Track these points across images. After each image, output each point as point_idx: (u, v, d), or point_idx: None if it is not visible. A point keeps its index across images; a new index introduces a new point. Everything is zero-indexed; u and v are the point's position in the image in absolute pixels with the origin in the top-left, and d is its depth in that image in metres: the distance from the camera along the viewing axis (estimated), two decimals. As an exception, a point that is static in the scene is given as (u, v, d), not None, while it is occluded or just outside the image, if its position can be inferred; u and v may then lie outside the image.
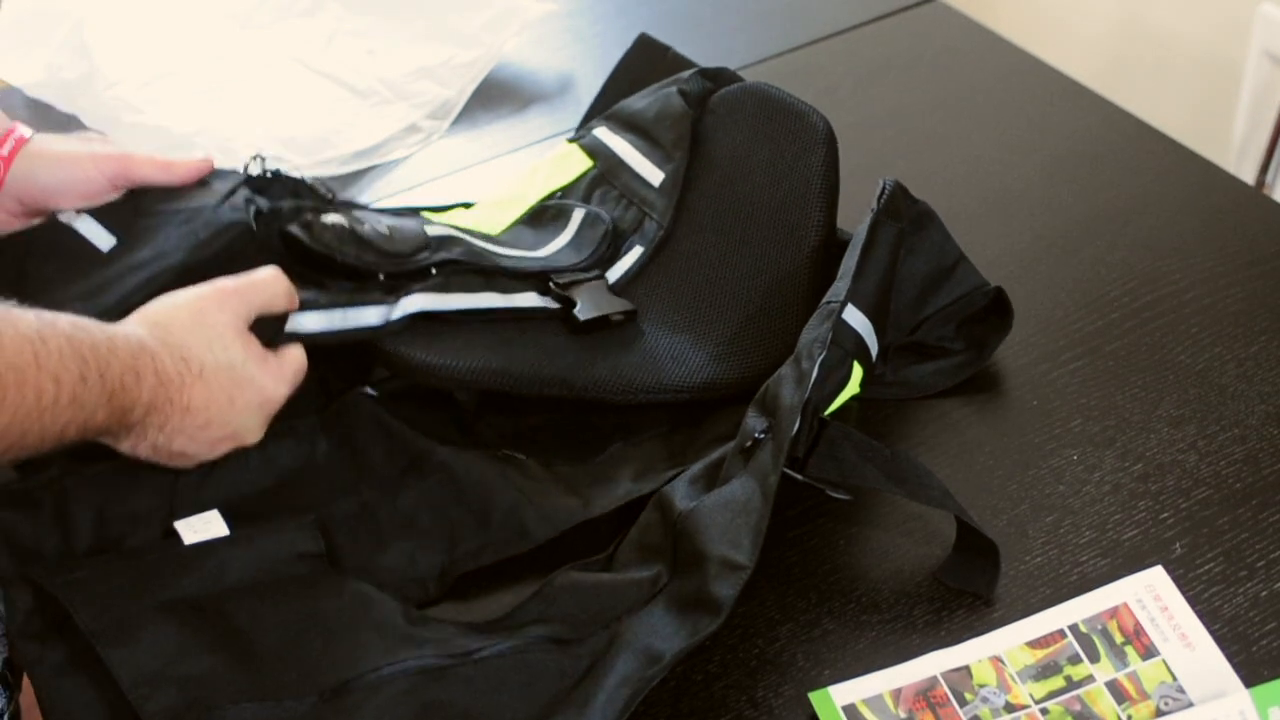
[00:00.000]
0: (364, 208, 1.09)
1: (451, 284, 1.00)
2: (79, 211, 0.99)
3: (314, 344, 0.94)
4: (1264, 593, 0.88)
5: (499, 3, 1.42)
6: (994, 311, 1.04)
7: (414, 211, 1.12)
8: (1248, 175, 2.07)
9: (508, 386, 0.97)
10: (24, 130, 0.97)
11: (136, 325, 0.84)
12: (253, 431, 0.89)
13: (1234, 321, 1.07)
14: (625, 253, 1.07)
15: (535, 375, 0.97)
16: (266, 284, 0.90)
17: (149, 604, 0.81)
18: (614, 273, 1.06)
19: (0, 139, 0.96)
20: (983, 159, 1.27)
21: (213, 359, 0.85)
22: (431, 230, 1.03)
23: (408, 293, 0.98)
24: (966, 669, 0.84)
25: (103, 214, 0.99)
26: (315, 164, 1.27)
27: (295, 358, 0.92)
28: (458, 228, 1.07)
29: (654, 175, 1.10)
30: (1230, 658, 0.84)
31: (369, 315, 0.96)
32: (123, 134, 1.28)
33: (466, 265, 1.01)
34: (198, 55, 1.39)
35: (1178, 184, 1.23)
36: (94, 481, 0.89)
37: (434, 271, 0.99)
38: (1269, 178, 2.07)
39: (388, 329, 0.96)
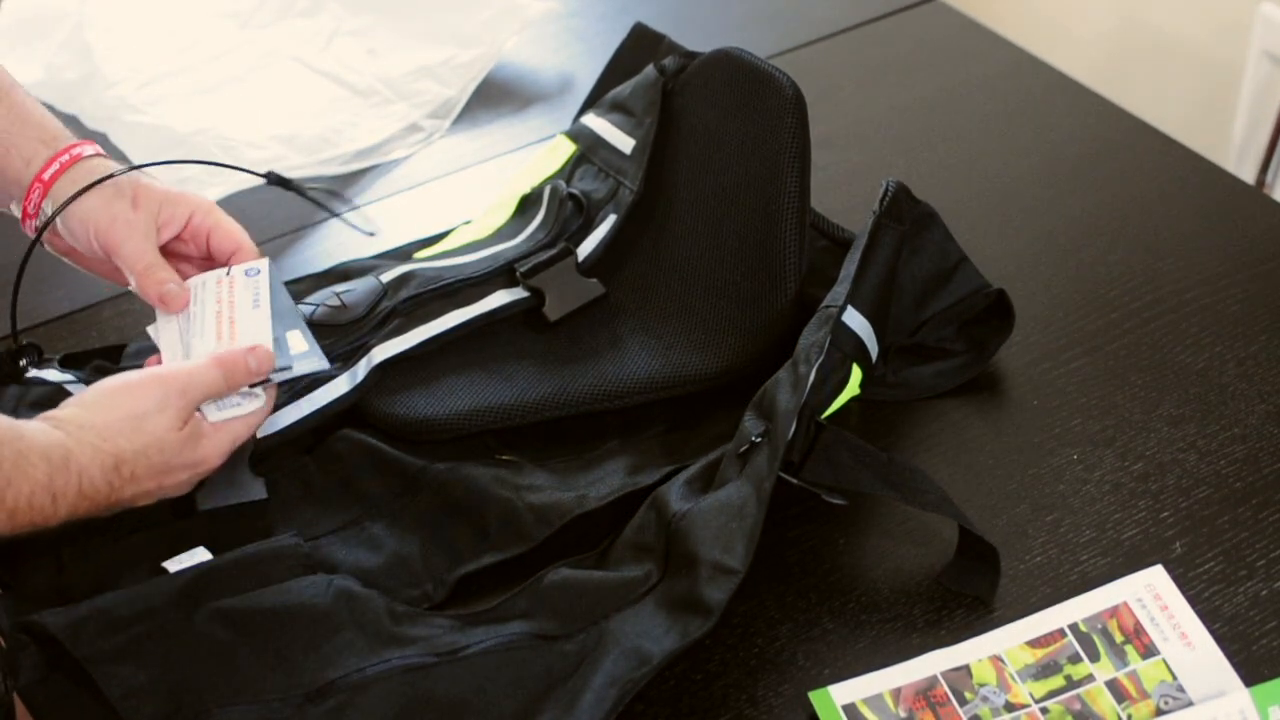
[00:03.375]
0: (323, 275, 1.10)
1: (412, 321, 1.00)
2: None
3: (295, 437, 0.95)
4: (1264, 592, 0.88)
5: (499, 2, 1.42)
6: (995, 313, 1.04)
7: (397, 253, 1.13)
8: (1248, 175, 2.07)
9: (499, 423, 0.97)
10: (85, 150, 0.95)
11: (71, 429, 0.82)
12: (182, 489, 0.88)
13: (1234, 321, 1.07)
14: (599, 223, 1.08)
15: (523, 404, 0.98)
16: (204, 372, 0.87)
17: (135, 619, 0.81)
18: (587, 245, 1.06)
19: (55, 155, 0.94)
20: (982, 159, 1.27)
21: (146, 462, 0.83)
22: (386, 276, 1.04)
23: (367, 349, 0.98)
24: (966, 668, 0.84)
25: None
26: (316, 163, 1.27)
27: (234, 429, 0.89)
28: (426, 256, 1.09)
29: (626, 144, 1.10)
30: (1230, 657, 0.84)
31: (336, 387, 0.97)
32: (123, 134, 1.29)
33: (424, 295, 1.02)
34: (198, 55, 1.39)
35: (1178, 184, 1.23)
36: (90, 559, 0.90)
37: (392, 318, 1.00)
38: (1269, 178, 2.07)
39: (359, 391, 0.97)
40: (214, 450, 0.88)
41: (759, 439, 0.87)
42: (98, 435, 0.82)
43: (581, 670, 0.81)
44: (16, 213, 0.97)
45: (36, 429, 0.81)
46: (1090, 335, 1.07)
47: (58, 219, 0.94)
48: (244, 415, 0.89)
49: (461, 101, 1.35)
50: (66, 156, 0.94)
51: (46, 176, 0.94)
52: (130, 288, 0.96)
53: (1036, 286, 1.11)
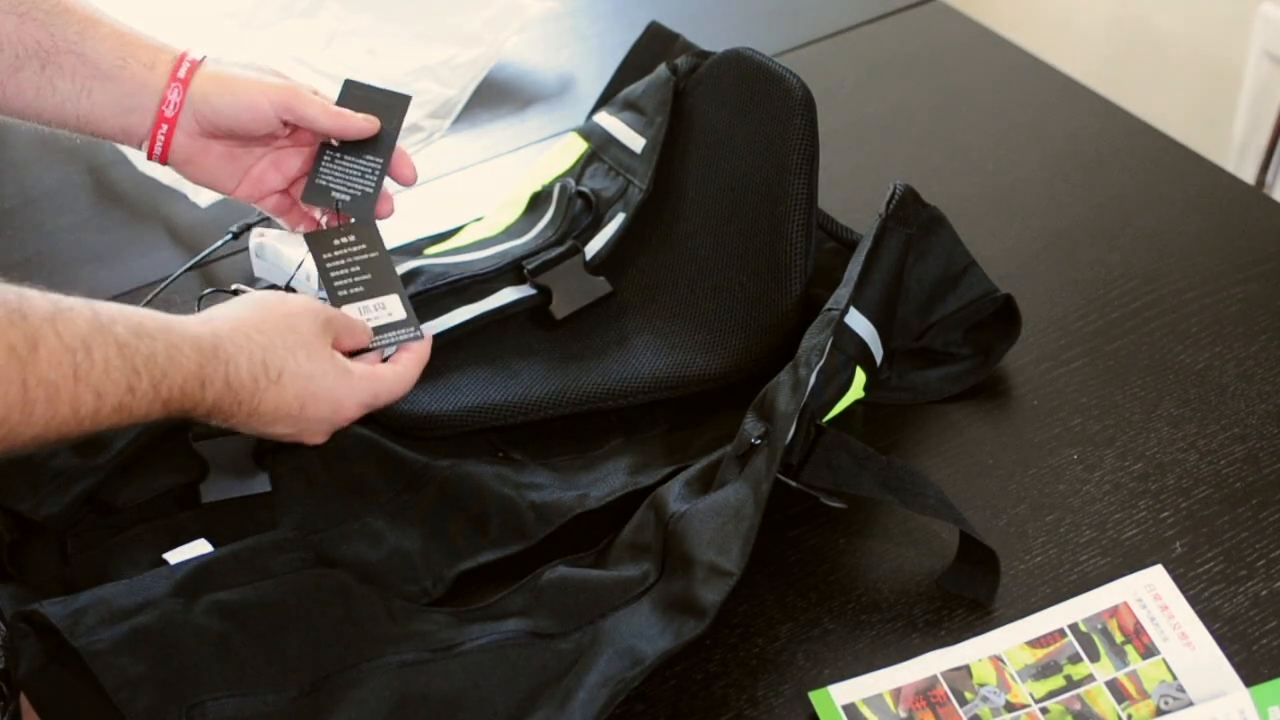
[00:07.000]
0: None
1: (419, 317, 1.00)
2: None
3: None
4: (1264, 592, 0.88)
5: (499, 2, 1.42)
6: (1002, 318, 1.04)
7: (406, 249, 1.13)
8: (1248, 175, 2.07)
9: (504, 420, 0.97)
10: (196, 54, 0.97)
11: (222, 323, 0.82)
12: (317, 436, 0.86)
13: (1234, 321, 1.07)
14: (608, 221, 1.08)
15: (527, 401, 0.98)
16: (349, 317, 0.90)
17: (134, 610, 0.81)
18: (596, 243, 1.07)
19: (176, 63, 0.96)
20: (983, 158, 1.27)
21: (294, 365, 0.83)
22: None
23: None
24: (966, 668, 0.84)
25: None
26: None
27: (380, 378, 0.88)
28: (434, 252, 1.09)
29: (636, 142, 1.10)
30: (1230, 657, 0.84)
31: None
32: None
33: (432, 291, 1.02)
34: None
35: (1178, 184, 1.23)
36: (93, 550, 0.90)
37: None
38: (1269, 178, 2.07)
39: None
40: (353, 397, 0.86)
41: (758, 441, 0.87)
42: (252, 327, 0.82)
43: (575, 669, 0.81)
44: (140, 148, 0.97)
45: (189, 321, 0.81)
46: (1090, 335, 1.07)
47: (214, 98, 0.96)
48: (387, 372, 0.89)
49: (461, 101, 1.35)
50: (181, 72, 0.96)
51: (182, 74, 0.96)
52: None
53: (1036, 286, 1.11)
